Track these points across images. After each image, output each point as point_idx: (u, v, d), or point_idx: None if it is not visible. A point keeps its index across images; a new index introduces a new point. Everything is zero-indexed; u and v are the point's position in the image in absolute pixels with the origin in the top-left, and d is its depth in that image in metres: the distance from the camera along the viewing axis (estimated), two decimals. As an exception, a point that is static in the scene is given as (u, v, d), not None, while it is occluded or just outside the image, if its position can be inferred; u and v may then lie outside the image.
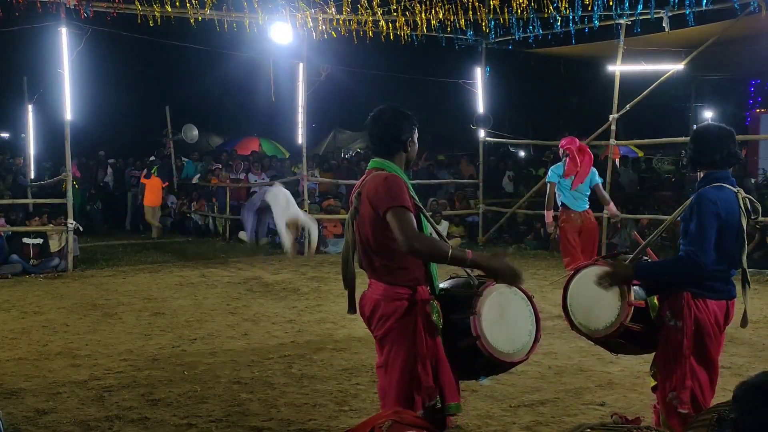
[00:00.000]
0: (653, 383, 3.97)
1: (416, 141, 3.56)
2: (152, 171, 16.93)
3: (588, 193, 9.05)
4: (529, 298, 3.52)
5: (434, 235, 3.51)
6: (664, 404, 3.77)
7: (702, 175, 3.80)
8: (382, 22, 12.43)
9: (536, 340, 3.49)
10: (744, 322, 3.94)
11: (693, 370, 3.70)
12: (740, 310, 3.94)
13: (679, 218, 3.88)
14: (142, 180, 16.95)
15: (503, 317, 3.40)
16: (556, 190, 9.01)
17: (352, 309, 3.58)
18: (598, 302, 3.76)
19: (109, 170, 19.42)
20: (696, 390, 3.70)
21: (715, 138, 3.80)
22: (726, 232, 3.68)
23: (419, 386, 3.24)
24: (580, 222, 8.95)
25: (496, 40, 14.36)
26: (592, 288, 3.77)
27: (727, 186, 3.74)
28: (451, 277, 3.65)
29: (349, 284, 3.54)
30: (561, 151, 9.00)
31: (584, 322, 3.83)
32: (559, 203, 9.00)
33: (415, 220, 3.30)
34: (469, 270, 3.50)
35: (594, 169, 9.07)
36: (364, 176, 3.50)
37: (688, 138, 3.93)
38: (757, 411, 2.06)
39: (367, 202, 3.36)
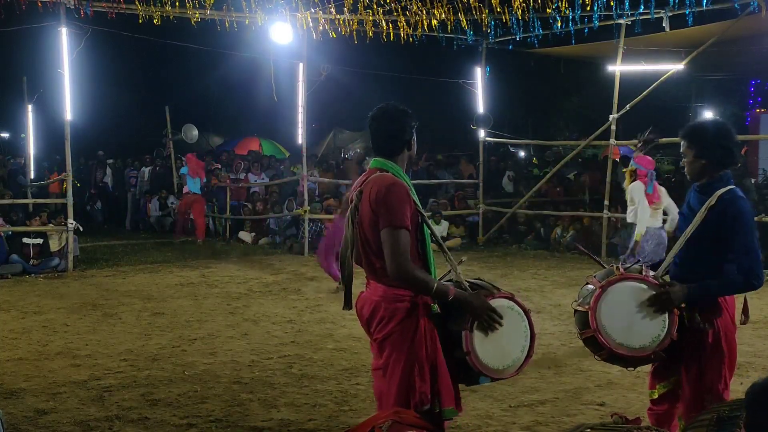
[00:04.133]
0: (659, 392, 3.82)
1: (415, 138, 3.54)
2: None
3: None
4: (526, 313, 3.47)
5: (434, 239, 3.46)
6: (690, 410, 3.59)
7: (719, 175, 3.60)
8: (382, 22, 12.43)
9: (528, 356, 3.44)
10: (745, 318, 3.82)
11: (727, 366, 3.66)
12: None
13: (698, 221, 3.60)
14: None
15: (497, 332, 3.35)
16: None
17: (347, 305, 3.52)
18: (638, 317, 3.53)
19: (108, 170, 19.41)
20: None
21: (733, 134, 3.66)
22: None
23: (414, 391, 3.22)
24: None
25: (496, 40, 14.37)
26: (627, 304, 3.55)
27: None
28: (447, 281, 3.58)
29: (347, 281, 3.49)
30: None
31: (625, 342, 3.53)
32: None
33: (410, 242, 3.25)
34: (465, 282, 3.45)
35: None
36: (366, 175, 3.45)
37: (698, 137, 3.64)
38: (764, 413, 2.06)
39: (368, 204, 3.32)
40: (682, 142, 3.71)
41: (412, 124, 3.48)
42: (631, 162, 8.47)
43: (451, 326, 3.35)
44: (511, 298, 3.46)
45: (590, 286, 3.73)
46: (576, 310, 3.73)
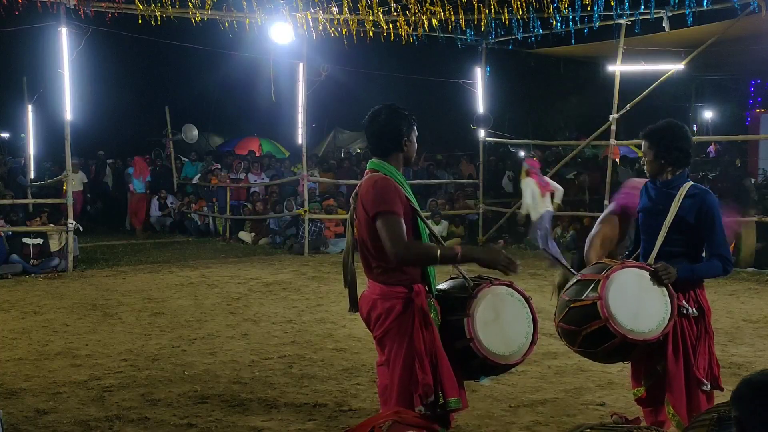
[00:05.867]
0: (644, 389, 3.87)
1: (414, 140, 3.54)
2: None
3: None
4: (527, 300, 3.50)
5: (429, 237, 3.49)
6: (681, 400, 3.68)
7: (679, 173, 3.82)
8: (382, 22, 12.43)
9: (533, 342, 3.46)
10: None
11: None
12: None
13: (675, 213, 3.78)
14: None
15: (499, 319, 3.39)
16: None
17: (353, 308, 3.59)
18: (642, 304, 3.61)
19: (108, 170, 19.40)
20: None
21: (689, 137, 3.86)
22: None
23: (416, 383, 3.25)
24: None
25: (496, 40, 14.36)
26: (631, 290, 3.62)
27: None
28: (450, 278, 3.62)
29: (350, 283, 3.56)
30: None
31: (635, 328, 3.58)
32: None
33: (404, 226, 3.29)
34: (465, 272, 3.50)
35: None
36: (364, 177, 3.52)
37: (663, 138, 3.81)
38: (759, 410, 2.06)
39: (361, 205, 3.39)
40: (642, 143, 3.92)
41: (405, 125, 3.48)
42: (524, 164, 12.38)
43: (450, 317, 3.37)
44: (510, 285, 3.48)
45: (578, 280, 3.77)
46: (571, 308, 3.69)
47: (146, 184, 17.13)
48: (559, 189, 11.90)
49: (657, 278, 3.62)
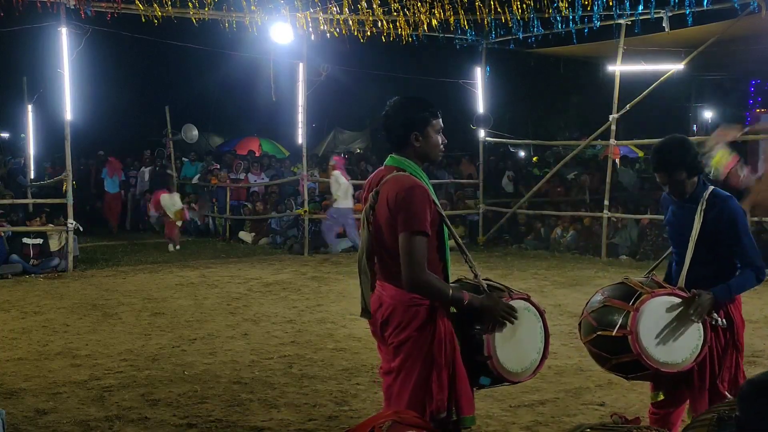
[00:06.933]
0: (659, 397, 3.83)
1: (431, 136, 3.26)
2: None
3: None
4: (541, 314, 3.41)
5: (452, 241, 3.37)
6: (701, 408, 3.60)
7: (695, 181, 3.72)
8: (383, 22, 12.43)
9: (544, 356, 3.39)
10: None
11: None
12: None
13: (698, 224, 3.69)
14: None
15: (515, 335, 3.29)
16: None
17: (366, 314, 3.31)
18: (675, 333, 3.52)
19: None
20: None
21: (691, 144, 3.78)
22: None
23: (431, 397, 3.11)
24: None
25: (497, 40, 14.37)
26: (663, 321, 3.52)
27: None
28: (458, 281, 3.49)
29: (366, 287, 3.29)
30: None
31: (669, 360, 3.51)
32: None
33: (427, 247, 3.12)
34: (481, 278, 3.38)
35: None
36: (383, 173, 3.27)
37: (672, 153, 3.71)
38: (763, 410, 2.05)
39: (386, 205, 3.15)
40: (656, 175, 3.80)
41: (417, 118, 3.24)
42: (331, 160, 14.20)
43: (472, 330, 3.28)
44: (527, 299, 3.39)
45: (601, 300, 3.68)
46: (599, 335, 3.62)
47: (121, 183, 18.00)
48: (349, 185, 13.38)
49: (691, 313, 3.51)
